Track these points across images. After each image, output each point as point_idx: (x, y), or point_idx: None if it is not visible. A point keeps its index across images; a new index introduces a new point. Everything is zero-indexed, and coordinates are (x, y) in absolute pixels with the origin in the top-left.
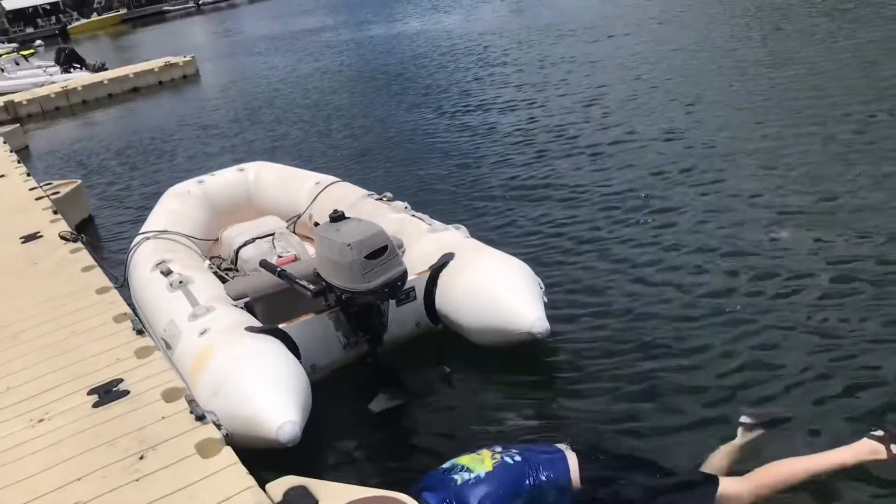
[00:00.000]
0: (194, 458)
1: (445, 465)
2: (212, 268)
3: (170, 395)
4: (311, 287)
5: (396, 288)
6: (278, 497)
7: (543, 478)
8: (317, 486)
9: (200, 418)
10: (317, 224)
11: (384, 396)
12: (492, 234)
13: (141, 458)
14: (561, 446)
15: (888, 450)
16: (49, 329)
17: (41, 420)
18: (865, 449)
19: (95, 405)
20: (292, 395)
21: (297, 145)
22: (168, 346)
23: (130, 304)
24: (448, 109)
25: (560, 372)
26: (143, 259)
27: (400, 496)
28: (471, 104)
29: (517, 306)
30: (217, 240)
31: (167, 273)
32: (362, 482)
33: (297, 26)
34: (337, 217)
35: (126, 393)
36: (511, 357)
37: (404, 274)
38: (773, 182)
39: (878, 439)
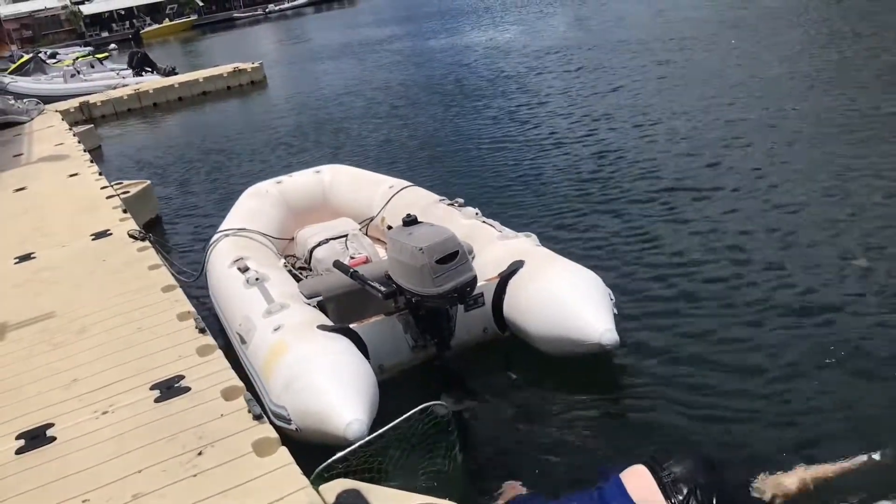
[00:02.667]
0: (250, 457)
1: None
2: (287, 266)
3: (229, 394)
4: (382, 289)
5: (465, 293)
6: (331, 499)
7: None
8: (368, 490)
9: (258, 417)
10: (390, 227)
11: (449, 400)
12: (562, 243)
13: (199, 454)
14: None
15: None
16: (115, 324)
17: (105, 412)
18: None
19: (157, 400)
20: (361, 394)
21: (363, 151)
22: (242, 341)
23: (194, 302)
24: (519, 119)
25: (627, 385)
26: (221, 255)
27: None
28: (542, 115)
29: (587, 317)
30: (292, 239)
31: (244, 270)
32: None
33: (362, 36)
34: (410, 221)
35: (187, 389)
36: (578, 367)
37: (474, 280)
38: (858, 205)
39: None
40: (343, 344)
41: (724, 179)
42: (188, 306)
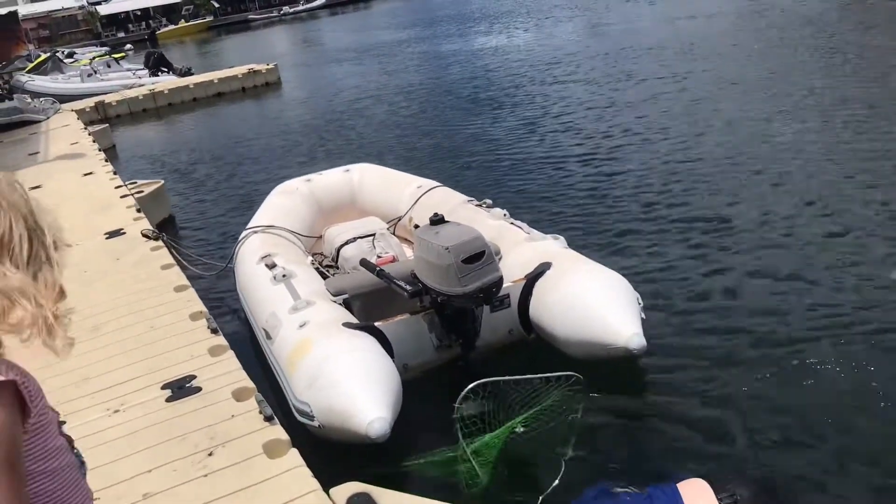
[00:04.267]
0: (261, 458)
1: None
2: (314, 264)
3: (240, 394)
4: (408, 288)
5: (491, 294)
6: (341, 502)
7: None
8: (380, 494)
9: (269, 419)
10: (417, 226)
11: (472, 401)
12: (590, 246)
13: (210, 454)
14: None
15: None
16: (127, 323)
17: (117, 411)
18: None
19: (169, 399)
20: (384, 393)
21: (384, 152)
22: (268, 337)
23: (207, 302)
24: (548, 123)
25: (653, 391)
26: (249, 252)
27: None
28: (572, 120)
29: (614, 320)
30: (320, 237)
31: (272, 266)
32: (436, 487)
33: (377, 39)
34: (437, 220)
35: (198, 389)
36: (604, 371)
37: (500, 280)
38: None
39: None
40: (368, 342)
41: (766, 186)
42: (201, 306)
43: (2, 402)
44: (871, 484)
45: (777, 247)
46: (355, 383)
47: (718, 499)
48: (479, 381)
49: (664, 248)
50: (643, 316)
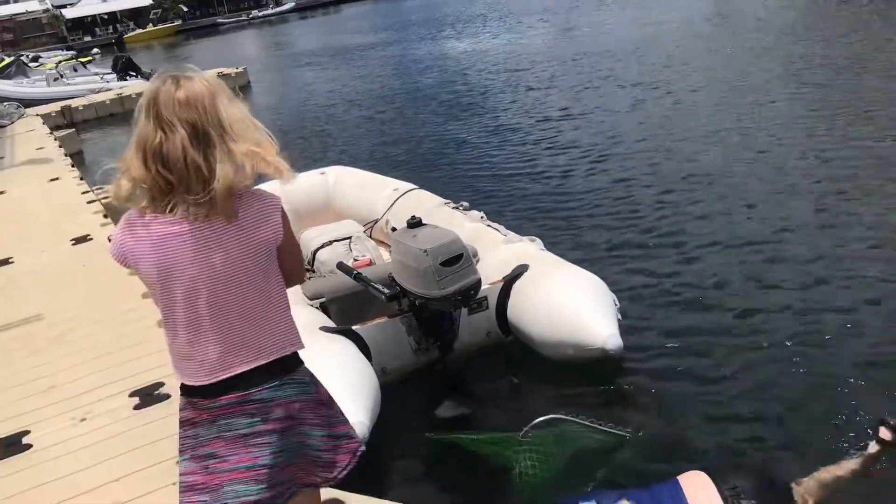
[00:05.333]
0: None
1: None
2: None
3: None
4: (386, 291)
5: (469, 297)
6: None
7: None
8: (348, 499)
9: None
10: (394, 229)
11: (451, 404)
12: (567, 247)
13: (178, 462)
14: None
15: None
16: (94, 330)
17: (83, 419)
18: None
19: (136, 407)
20: (363, 397)
21: (356, 156)
22: None
23: None
24: (523, 125)
25: (631, 390)
26: None
27: None
28: (546, 122)
29: (591, 322)
30: None
31: None
32: (415, 491)
33: (347, 43)
34: (414, 223)
35: (167, 397)
36: (581, 372)
37: (478, 283)
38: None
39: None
40: (346, 346)
41: (736, 185)
42: None
43: None
44: None
45: (753, 243)
46: (333, 388)
47: (719, 490)
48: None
49: (640, 249)
50: (620, 317)
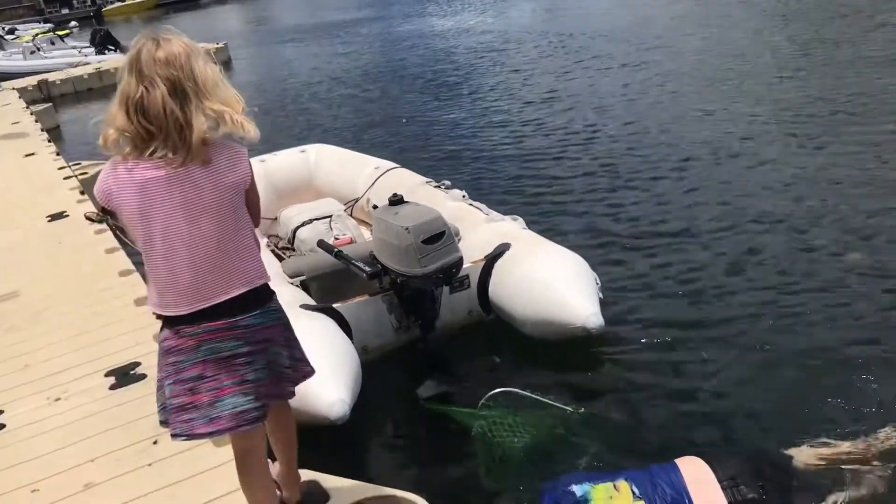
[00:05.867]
0: (207, 447)
1: (578, 493)
2: (269, 246)
3: None
4: (367, 269)
5: (451, 275)
6: None
7: None
8: (330, 481)
9: None
10: (375, 207)
11: (433, 383)
12: (549, 226)
13: (154, 443)
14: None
15: None
16: (70, 309)
17: (58, 399)
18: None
19: (112, 387)
20: (344, 375)
21: (339, 134)
22: None
23: None
24: (504, 104)
25: (612, 368)
26: None
27: (413, 497)
28: (527, 99)
29: (572, 300)
30: (276, 218)
31: None
32: (396, 470)
33: (330, 18)
34: (396, 200)
35: (143, 377)
36: (562, 351)
37: (460, 261)
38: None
39: None
40: (326, 324)
41: (716, 163)
42: (146, 291)
43: None
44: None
45: (737, 226)
46: (315, 365)
47: (717, 477)
48: (506, 389)
49: (621, 230)
50: (601, 296)
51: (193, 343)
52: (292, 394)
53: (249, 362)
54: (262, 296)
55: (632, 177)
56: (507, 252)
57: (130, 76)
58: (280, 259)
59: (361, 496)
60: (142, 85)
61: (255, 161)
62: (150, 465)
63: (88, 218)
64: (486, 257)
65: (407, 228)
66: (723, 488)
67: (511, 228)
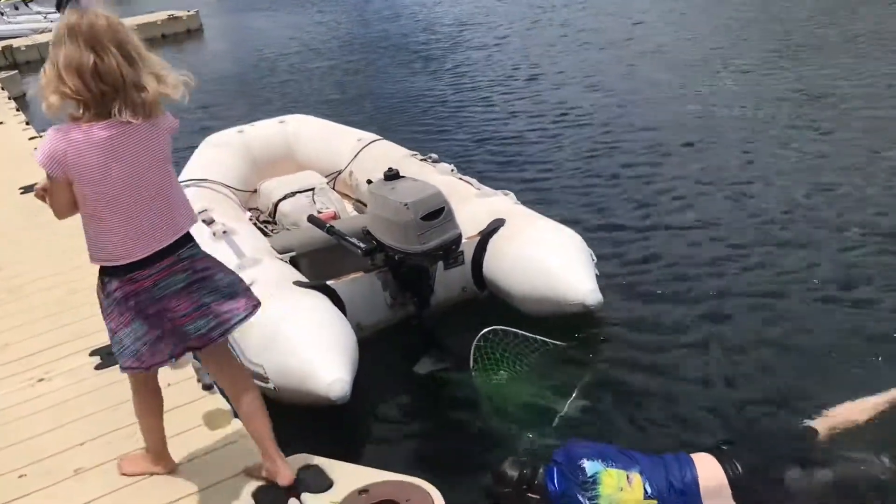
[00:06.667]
0: (201, 430)
1: (589, 471)
2: (251, 219)
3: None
4: (362, 245)
5: (451, 251)
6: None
7: None
8: (332, 466)
9: (208, 388)
10: (369, 181)
11: (429, 360)
12: (539, 202)
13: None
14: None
15: None
16: (49, 284)
17: (41, 380)
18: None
19: (98, 367)
20: (343, 353)
21: (318, 104)
22: None
23: None
24: (489, 75)
25: (608, 344)
26: None
27: (420, 482)
28: (515, 76)
29: (571, 277)
30: (255, 191)
31: (210, 222)
32: (399, 452)
33: None
34: (392, 175)
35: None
36: (558, 327)
37: (459, 238)
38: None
39: None
40: (322, 301)
41: (713, 140)
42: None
43: None
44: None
45: (730, 199)
46: (313, 344)
47: (728, 478)
48: (499, 327)
49: (613, 204)
50: (597, 272)
51: (150, 283)
52: (247, 308)
53: (200, 288)
54: (189, 234)
55: (623, 151)
56: (501, 228)
57: (75, 45)
58: (262, 233)
59: (367, 482)
60: (93, 52)
61: (232, 132)
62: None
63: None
64: (480, 233)
65: (406, 204)
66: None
67: (503, 203)
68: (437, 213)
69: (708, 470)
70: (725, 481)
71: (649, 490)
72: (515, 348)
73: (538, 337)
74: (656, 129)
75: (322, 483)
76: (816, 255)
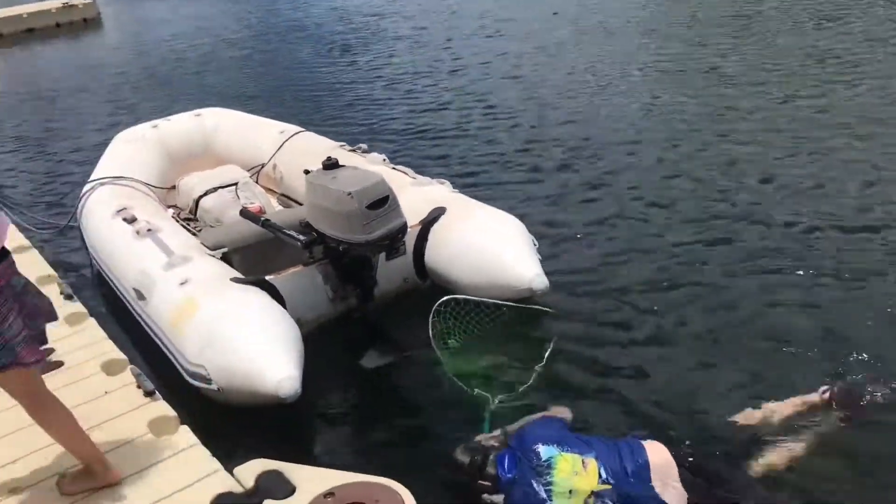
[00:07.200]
0: (147, 438)
1: (543, 456)
2: (173, 217)
3: (111, 368)
4: (302, 238)
5: (397, 240)
6: (250, 482)
7: None
8: (293, 471)
9: (150, 394)
10: (307, 171)
11: (376, 353)
12: (475, 189)
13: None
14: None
15: (821, 397)
16: None
17: None
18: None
19: None
20: (289, 349)
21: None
22: (141, 297)
23: (55, 264)
24: (413, 69)
25: (554, 328)
26: (100, 205)
27: (387, 482)
28: (438, 60)
29: (516, 263)
30: (174, 187)
31: (132, 220)
32: (352, 453)
33: None
34: (331, 164)
35: (60, 364)
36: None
37: (404, 226)
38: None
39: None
40: (262, 297)
41: (656, 120)
42: (48, 269)
43: None
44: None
45: (667, 177)
46: (257, 341)
47: (677, 461)
48: (453, 297)
49: (547, 189)
50: (539, 257)
51: (4, 282)
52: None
53: (27, 292)
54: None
55: (555, 134)
56: (442, 216)
57: None
58: (188, 231)
59: (332, 485)
60: None
61: (146, 127)
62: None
63: None
64: (421, 222)
65: (350, 194)
66: (681, 476)
67: (441, 192)
68: (382, 201)
69: (658, 455)
70: (674, 465)
71: (604, 475)
72: (469, 315)
73: (492, 301)
74: (581, 118)
75: (284, 488)
76: (759, 242)
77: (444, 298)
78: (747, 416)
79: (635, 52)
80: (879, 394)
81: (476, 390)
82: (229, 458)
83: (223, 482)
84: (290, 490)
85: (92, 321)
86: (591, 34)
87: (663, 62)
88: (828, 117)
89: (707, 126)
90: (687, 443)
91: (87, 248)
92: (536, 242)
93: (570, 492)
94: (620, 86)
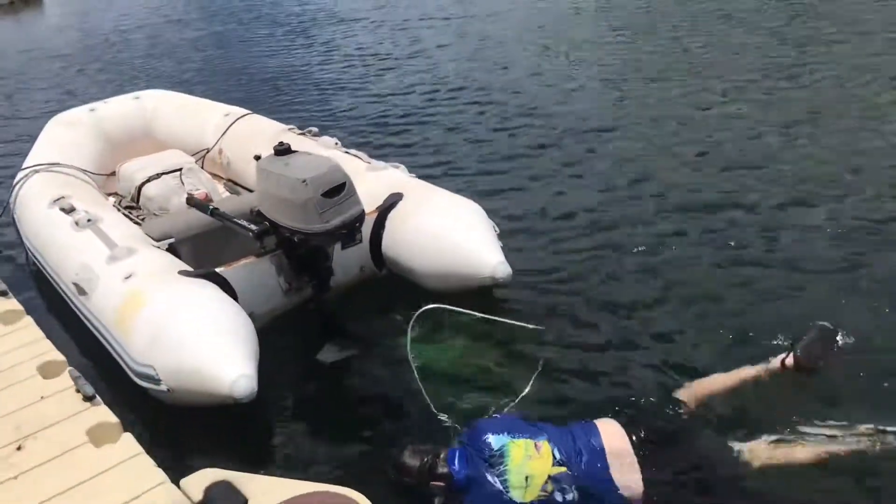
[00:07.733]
0: (86, 448)
1: (495, 445)
2: (115, 205)
3: (49, 370)
4: (254, 227)
5: (355, 229)
6: (198, 495)
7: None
8: (244, 481)
9: (90, 398)
10: (258, 157)
11: (334, 347)
12: (431, 174)
13: (18, 448)
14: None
15: (783, 362)
16: None
17: None
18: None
19: None
20: (243, 346)
21: (171, 79)
22: (82, 292)
23: None
24: (360, 48)
25: (517, 315)
26: (34, 194)
27: (345, 491)
28: (391, 47)
29: (477, 250)
30: (113, 174)
31: (70, 210)
32: (308, 459)
33: None
34: (283, 150)
35: None
36: (463, 303)
37: (362, 214)
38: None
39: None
40: (212, 291)
41: (597, 96)
42: None
43: None
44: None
45: (626, 160)
46: (209, 338)
47: (629, 435)
48: (437, 306)
49: (507, 172)
50: (500, 244)
51: None
52: None
53: None
54: None
55: (519, 124)
56: (399, 203)
57: None
58: (131, 220)
59: (287, 495)
60: None
61: (83, 110)
62: (16, 477)
63: None
64: (378, 209)
65: (304, 181)
66: (636, 454)
67: (398, 177)
68: (339, 188)
69: (613, 435)
70: (629, 445)
71: (558, 456)
72: (448, 326)
73: (481, 315)
74: (549, 103)
75: (235, 500)
76: (716, 224)
77: (425, 308)
78: (689, 392)
79: (606, 36)
80: (835, 347)
81: (447, 422)
82: (176, 467)
83: (169, 495)
84: (241, 502)
85: (28, 319)
86: (560, 15)
87: (636, 47)
88: (804, 101)
89: (679, 114)
90: (642, 421)
91: (22, 241)
92: (497, 229)
93: (527, 478)
94: (590, 71)
